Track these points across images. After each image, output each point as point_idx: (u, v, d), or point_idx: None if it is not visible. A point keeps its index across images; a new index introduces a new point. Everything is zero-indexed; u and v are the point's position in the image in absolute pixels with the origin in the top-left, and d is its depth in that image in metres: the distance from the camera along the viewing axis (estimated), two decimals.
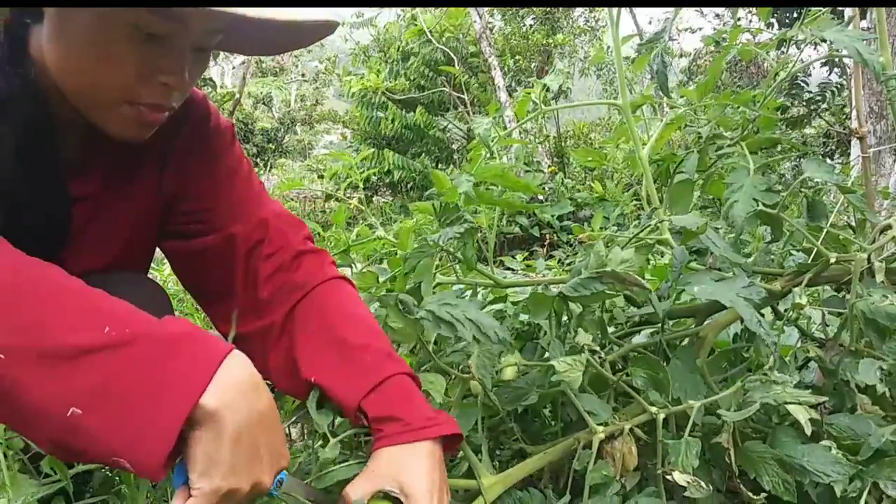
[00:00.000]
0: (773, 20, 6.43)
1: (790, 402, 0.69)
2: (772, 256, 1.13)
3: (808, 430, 0.69)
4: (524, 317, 1.19)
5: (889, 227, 0.98)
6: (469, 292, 1.29)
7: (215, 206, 0.95)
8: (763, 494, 0.72)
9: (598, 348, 0.84)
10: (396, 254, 1.29)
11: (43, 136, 0.79)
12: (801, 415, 0.69)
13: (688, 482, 0.66)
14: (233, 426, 0.60)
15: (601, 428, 0.78)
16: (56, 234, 0.86)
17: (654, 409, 0.77)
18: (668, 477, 0.69)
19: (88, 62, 0.72)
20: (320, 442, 0.84)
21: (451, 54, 7.89)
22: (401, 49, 8.65)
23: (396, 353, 0.87)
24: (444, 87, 8.19)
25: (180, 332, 0.62)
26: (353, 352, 0.85)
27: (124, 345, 0.59)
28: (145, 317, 0.62)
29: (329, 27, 0.79)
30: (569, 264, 2.58)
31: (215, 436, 0.60)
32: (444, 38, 8.27)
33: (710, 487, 0.69)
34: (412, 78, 8.60)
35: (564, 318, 1.02)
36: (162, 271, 2.94)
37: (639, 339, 1.08)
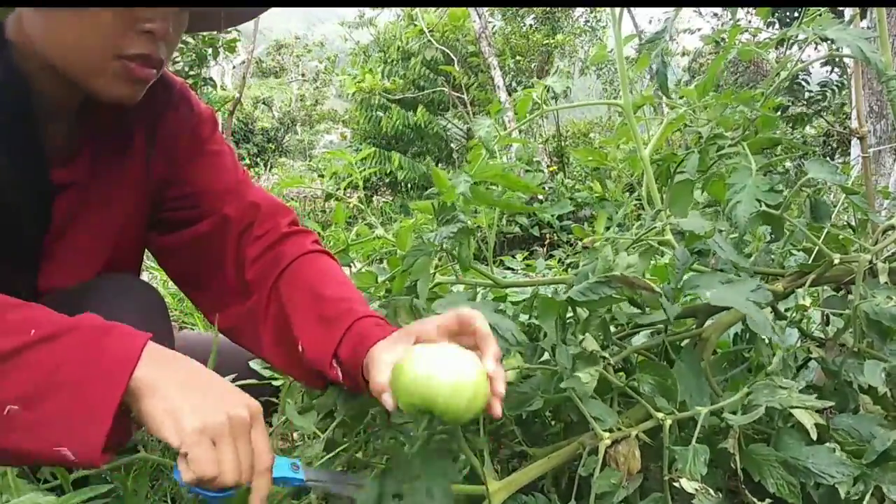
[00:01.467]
0: (774, 20, 6.42)
1: (796, 407, 0.69)
2: (772, 257, 1.13)
3: (814, 435, 0.69)
4: (524, 317, 1.19)
5: (892, 227, 0.98)
6: (469, 293, 1.28)
7: (205, 189, 0.96)
8: (768, 501, 0.71)
9: (607, 355, 0.83)
10: (396, 254, 1.28)
11: (25, 122, 0.80)
12: (807, 419, 0.68)
13: (696, 489, 0.65)
14: (173, 381, 0.62)
15: (607, 434, 0.77)
16: (37, 223, 0.86)
17: (660, 415, 0.76)
18: (675, 483, 0.68)
19: (70, 20, 0.73)
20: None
21: (451, 54, 7.88)
22: (401, 49, 8.64)
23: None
24: (444, 87, 8.18)
25: (101, 323, 0.64)
26: (331, 304, 0.86)
27: (51, 340, 0.61)
28: (64, 316, 0.64)
29: None
30: (569, 264, 2.58)
31: (161, 395, 0.61)
32: (444, 37, 8.26)
33: (720, 495, 0.68)
34: (412, 78, 8.59)
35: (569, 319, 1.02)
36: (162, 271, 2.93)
37: (640, 339, 1.07)
